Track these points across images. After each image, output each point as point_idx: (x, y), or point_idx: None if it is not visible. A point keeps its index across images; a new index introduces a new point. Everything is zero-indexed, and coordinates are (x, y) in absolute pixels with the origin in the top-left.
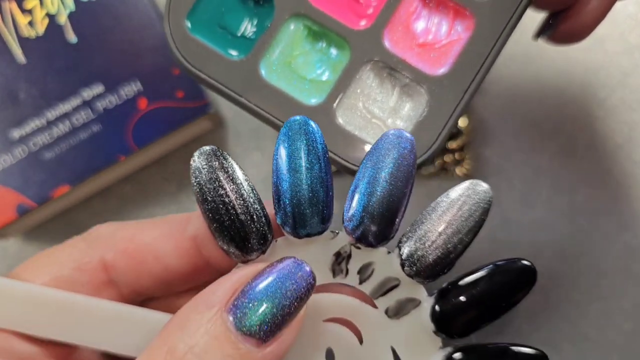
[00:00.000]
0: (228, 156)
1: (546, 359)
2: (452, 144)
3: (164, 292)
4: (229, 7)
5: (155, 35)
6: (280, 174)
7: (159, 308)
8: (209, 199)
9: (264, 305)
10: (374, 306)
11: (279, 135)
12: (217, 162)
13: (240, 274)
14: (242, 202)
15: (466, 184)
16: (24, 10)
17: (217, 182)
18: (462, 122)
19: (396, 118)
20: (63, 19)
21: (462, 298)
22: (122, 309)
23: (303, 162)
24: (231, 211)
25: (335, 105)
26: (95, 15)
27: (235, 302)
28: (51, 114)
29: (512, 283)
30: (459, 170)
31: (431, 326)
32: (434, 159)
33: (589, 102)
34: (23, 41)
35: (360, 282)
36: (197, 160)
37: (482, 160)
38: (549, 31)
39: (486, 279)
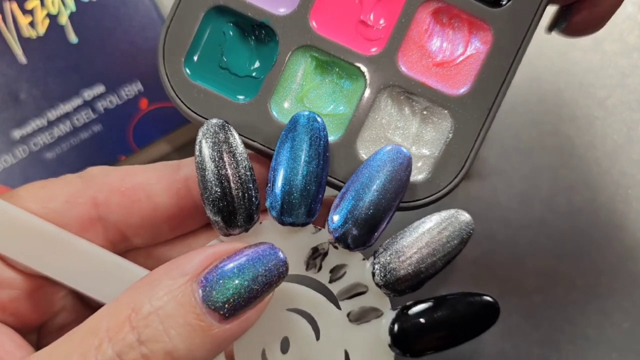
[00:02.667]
0: (234, 132)
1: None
2: None
3: (150, 238)
4: (228, 47)
5: (156, 36)
6: (279, 160)
7: (139, 261)
8: (208, 168)
9: (233, 285)
10: (338, 307)
11: (287, 124)
12: (223, 135)
13: (218, 249)
14: (237, 178)
15: (451, 211)
16: (24, 11)
17: (219, 154)
18: None
19: (420, 145)
20: (64, 19)
21: (422, 319)
22: (104, 254)
23: (303, 154)
24: (225, 184)
25: (356, 138)
26: (96, 15)
27: (207, 276)
28: (52, 114)
29: (473, 316)
30: None
31: (387, 339)
32: None
33: (588, 102)
34: (24, 41)
35: (330, 281)
36: (205, 130)
37: (481, 160)
38: (562, 24)
39: (449, 306)
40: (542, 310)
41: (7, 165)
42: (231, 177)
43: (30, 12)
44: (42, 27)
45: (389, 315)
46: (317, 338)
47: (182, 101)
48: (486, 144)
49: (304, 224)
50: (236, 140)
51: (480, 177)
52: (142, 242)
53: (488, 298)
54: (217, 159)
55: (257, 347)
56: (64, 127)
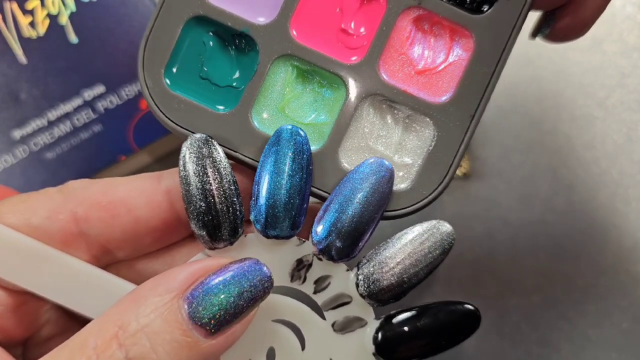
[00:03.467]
0: (218, 146)
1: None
2: None
3: (133, 251)
4: (208, 56)
5: None
6: (263, 174)
7: (122, 274)
8: (192, 183)
9: (219, 301)
10: (323, 317)
11: (270, 138)
12: (206, 150)
13: (203, 265)
14: (222, 192)
15: (433, 222)
16: (25, 11)
17: (202, 169)
18: None
19: (403, 154)
20: (64, 19)
21: (405, 328)
22: (87, 268)
23: (287, 168)
24: (209, 199)
25: (338, 147)
26: (96, 15)
27: (193, 292)
28: (52, 114)
29: (454, 324)
30: (458, 171)
31: (372, 348)
32: None
33: (587, 102)
34: (24, 41)
35: (315, 292)
36: (189, 145)
37: (481, 160)
38: (545, 29)
39: (431, 315)
40: (542, 310)
41: (7, 165)
42: (215, 192)
43: (31, 12)
44: (42, 27)
45: (373, 324)
46: (303, 348)
47: (162, 112)
48: (486, 144)
49: (288, 237)
50: (220, 154)
51: (480, 177)
52: (125, 255)
53: (469, 306)
54: (201, 174)
55: (243, 359)
56: (64, 127)
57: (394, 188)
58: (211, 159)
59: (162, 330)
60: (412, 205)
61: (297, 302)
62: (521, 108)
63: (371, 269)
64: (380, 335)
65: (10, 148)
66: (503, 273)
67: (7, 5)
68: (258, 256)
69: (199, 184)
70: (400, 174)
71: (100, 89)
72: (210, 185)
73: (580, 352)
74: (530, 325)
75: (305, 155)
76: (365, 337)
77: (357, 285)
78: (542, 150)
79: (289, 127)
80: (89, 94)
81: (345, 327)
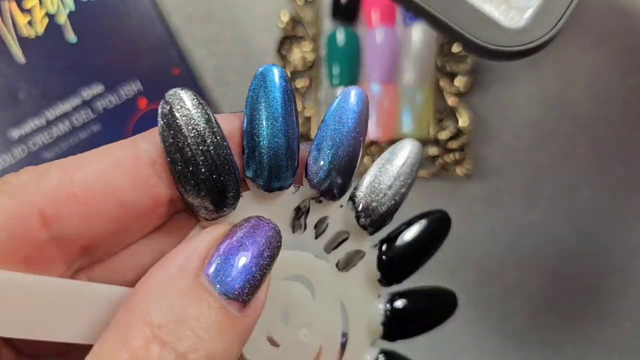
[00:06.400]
0: (204, 101)
1: (454, 297)
2: (453, 144)
3: (116, 245)
4: None
5: (156, 34)
6: (255, 122)
7: (96, 277)
8: (187, 143)
9: (243, 268)
10: (327, 260)
11: (252, 84)
12: (198, 109)
13: (213, 236)
14: (220, 149)
15: (407, 141)
16: (23, 10)
17: (194, 122)
18: (463, 122)
19: None
20: (63, 18)
21: (402, 246)
22: (68, 285)
23: (281, 111)
24: (209, 159)
25: None
26: (95, 14)
27: (213, 266)
28: (51, 114)
29: (438, 231)
30: (459, 170)
31: (376, 275)
32: (434, 159)
33: (589, 101)
34: (22, 41)
35: (316, 237)
36: (171, 98)
37: (483, 159)
38: None
39: (421, 229)
40: (544, 311)
41: (6, 165)
42: (213, 149)
43: (29, 11)
44: (40, 27)
45: (371, 252)
46: (314, 297)
47: None
48: (487, 144)
49: (288, 187)
50: (208, 109)
51: (483, 177)
52: (104, 253)
53: (442, 212)
54: (195, 130)
55: (260, 328)
56: (63, 127)
57: (510, 25)
58: (202, 115)
59: (199, 314)
60: (528, 44)
61: (302, 253)
62: (523, 107)
63: (369, 199)
64: (384, 259)
65: (8, 148)
66: (505, 274)
67: (5, 5)
68: (260, 213)
69: (195, 143)
70: (513, 13)
71: (99, 88)
72: (206, 141)
73: (583, 353)
74: (533, 326)
75: (292, 94)
76: (367, 267)
77: (358, 218)
78: (544, 150)
79: (270, 66)
80: (87, 94)
81: (348, 263)
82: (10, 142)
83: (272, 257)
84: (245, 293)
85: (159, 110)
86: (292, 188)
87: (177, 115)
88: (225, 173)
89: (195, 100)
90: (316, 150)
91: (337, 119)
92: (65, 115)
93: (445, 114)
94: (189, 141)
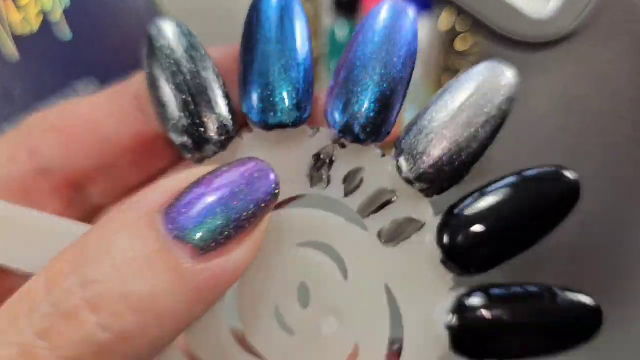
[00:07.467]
0: (189, 30)
1: (600, 313)
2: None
3: (109, 183)
4: None
5: None
6: (249, 46)
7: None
8: (162, 77)
9: (205, 207)
10: (364, 228)
11: (249, 9)
12: (178, 37)
13: (185, 176)
14: (199, 81)
15: (484, 64)
16: (17, 7)
17: (171, 56)
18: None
19: None
20: (58, 15)
21: (479, 221)
22: (53, 221)
23: (274, 32)
24: (185, 92)
25: None
26: (90, 11)
27: (175, 206)
28: None
29: (548, 196)
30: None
31: (439, 255)
32: None
33: (598, 98)
34: (17, 38)
35: (346, 195)
36: (152, 33)
37: (485, 159)
38: None
39: (512, 192)
40: None
41: None
42: (191, 78)
43: (23, 8)
44: (35, 23)
45: (434, 222)
46: (345, 277)
47: None
48: (494, 142)
49: (295, 124)
50: (188, 32)
51: (484, 177)
52: (102, 191)
53: (564, 172)
54: (171, 59)
55: (267, 305)
56: None
57: (535, 16)
58: (181, 37)
59: (130, 246)
60: (553, 34)
61: (325, 213)
62: (525, 107)
63: (414, 139)
64: (448, 233)
65: None
66: (510, 274)
67: None
68: (262, 158)
69: (169, 71)
70: (540, 3)
71: (94, 85)
72: (182, 70)
73: (589, 356)
74: None
75: (295, 14)
76: (427, 243)
77: (400, 169)
78: (547, 150)
79: None
80: (82, 91)
81: (396, 235)
82: None
83: (257, 202)
84: (203, 240)
85: (145, 38)
86: (308, 129)
87: (156, 45)
88: (206, 105)
89: (176, 29)
90: (335, 74)
91: (369, 37)
92: None
93: None
94: (165, 72)
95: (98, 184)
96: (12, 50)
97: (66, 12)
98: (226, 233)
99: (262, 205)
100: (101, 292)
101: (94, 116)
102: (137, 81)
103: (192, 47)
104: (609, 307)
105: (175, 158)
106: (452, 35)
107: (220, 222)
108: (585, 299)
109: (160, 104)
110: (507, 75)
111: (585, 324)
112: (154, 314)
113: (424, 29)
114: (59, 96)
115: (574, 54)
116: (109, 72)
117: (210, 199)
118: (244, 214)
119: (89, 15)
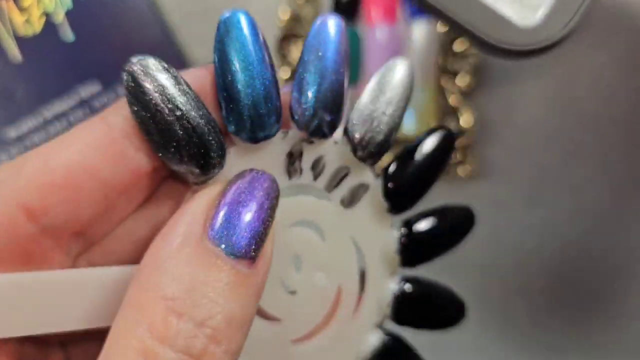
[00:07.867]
0: (167, 64)
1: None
2: (456, 144)
3: (106, 225)
4: None
5: (154, 33)
6: (227, 73)
7: (97, 262)
8: (158, 115)
9: (246, 224)
10: (330, 200)
11: (217, 33)
12: (163, 73)
13: (209, 197)
14: (196, 113)
15: (396, 61)
16: (20, 9)
17: (163, 94)
18: (466, 122)
19: None
20: (60, 17)
21: (410, 169)
22: (72, 275)
23: (253, 54)
24: (185, 122)
25: None
26: (92, 13)
27: (216, 227)
28: (48, 113)
29: (445, 148)
30: (461, 171)
31: (384, 206)
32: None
33: (594, 100)
34: (19, 39)
35: (315, 178)
36: (134, 71)
37: (486, 160)
38: None
39: (428, 150)
40: (548, 313)
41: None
42: (187, 112)
43: (26, 10)
44: (37, 25)
45: (376, 183)
46: (324, 240)
47: None
48: (490, 144)
49: (275, 133)
50: (168, 66)
51: (485, 177)
52: (98, 234)
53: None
54: (164, 96)
55: (273, 277)
56: (60, 126)
57: (523, 24)
58: (166, 72)
59: (210, 278)
60: (541, 42)
61: (303, 197)
62: (526, 107)
63: (363, 130)
64: (388, 185)
65: (5, 147)
66: (509, 275)
67: (2, 3)
68: (250, 166)
69: (165, 108)
70: (528, 11)
71: (96, 87)
72: (178, 105)
73: (586, 356)
74: (535, 328)
75: (260, 36)
76: (374, 199)
77: (355, 151)
78: (547, 150)
79: (234, 11)
80: (85, 93)
81: (353, 199)
82: (6, 141)
83: (272, 208)
84: (252, 249)
85: (123, 82)
86: (280, 134)
87: (143, 84)
88: (205, 134)
89: (158, 65)
90: (297, 86)
91: (315, 54)
92: (63, 115)
93: (447, 113)
94: (160, 109)
95: (98, 226)
96: (14, 52)
97: (68, 14)
98: (262, 237)
99: (274, 203)
100: (214, 325)
101: (91, 162)
102: (124, 118)
103: (177, 80)
104: (608, 306)
105: (158, 183)
106: (450, 36)
107: (258, 231)
108: (457, 204)
109: (159, 141)
110: (408, 65)
111: (462, 221)
112: (247, 325)
113: (422, 31)
114: (61, 100)
115: (568, 58)
116: (111, 73)
117: (245, 213)
118: (269, 215)
119: (90, 16)
